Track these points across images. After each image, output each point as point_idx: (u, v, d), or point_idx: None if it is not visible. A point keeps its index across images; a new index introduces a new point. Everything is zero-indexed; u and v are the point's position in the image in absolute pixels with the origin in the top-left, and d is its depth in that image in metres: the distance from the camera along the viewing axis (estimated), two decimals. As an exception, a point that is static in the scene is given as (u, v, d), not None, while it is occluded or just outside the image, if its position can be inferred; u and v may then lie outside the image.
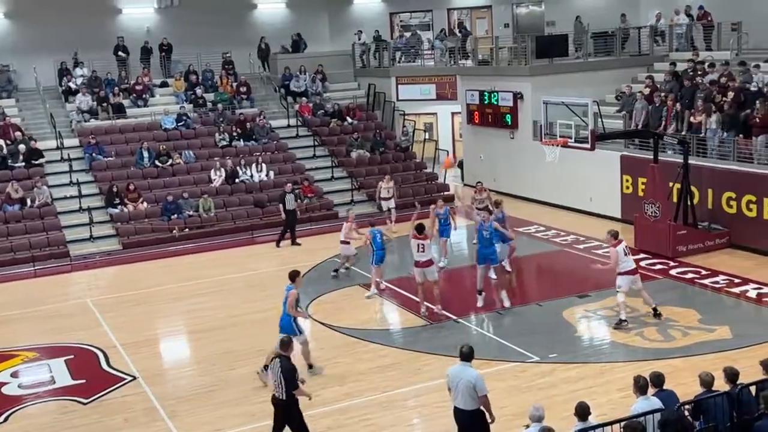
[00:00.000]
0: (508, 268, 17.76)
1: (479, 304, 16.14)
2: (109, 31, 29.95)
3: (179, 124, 27.15)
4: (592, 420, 8.78)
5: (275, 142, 27.36)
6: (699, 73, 22.36)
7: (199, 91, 28.63)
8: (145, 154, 25.34)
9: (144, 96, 28.41)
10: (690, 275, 17.62)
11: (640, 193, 20.69)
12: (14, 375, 14.36)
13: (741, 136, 19.35)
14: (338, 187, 26.07)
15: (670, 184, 19.27)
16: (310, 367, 13.45)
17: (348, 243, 18.80)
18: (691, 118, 20.70)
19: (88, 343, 15.61)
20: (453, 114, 31.24)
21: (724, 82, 20.92)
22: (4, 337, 16.19)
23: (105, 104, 27.36)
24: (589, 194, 23.12)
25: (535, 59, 25.48)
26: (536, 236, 21.39)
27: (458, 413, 9.78)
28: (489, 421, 9.74)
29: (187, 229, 23.05)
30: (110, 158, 25.37)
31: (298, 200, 23.80)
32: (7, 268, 21.04)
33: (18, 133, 25.34)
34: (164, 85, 29.52)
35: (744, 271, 17.59)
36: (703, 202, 19.61)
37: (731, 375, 9.21)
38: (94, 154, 25.18)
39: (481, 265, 16.11)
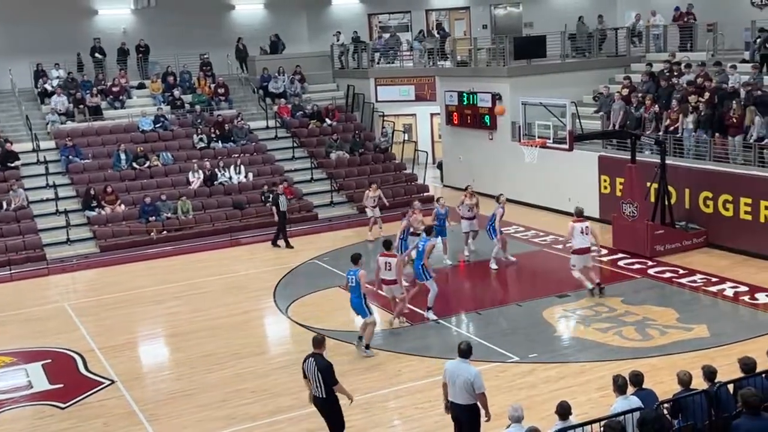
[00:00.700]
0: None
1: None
2: (86, 32, 29.74)
3: (157, 125, 27.00)
4: (573, 419, 8.82)
5: (254, 143, 27.27)
6: (675, 74, 22.54)
7: (176, 92, 28.49)
8: (123, 156, 25.16)
9: (121, 97, 28.23)
10: (668, 274, 17.75)
11: (618, 193, 20.82)
12: (-9, 380, 14.22)
13: (718, 135, 19.51)
14: (318, 188, 26.02)
15: (648, 184, 19.40)
16: (367, 347, 14.10)
17: (418, 235, 17.65)
18: (668, 121, 20.84)
19: (66, 347, 15.47)
20: (432, 115, 31.28)
21: (700, 83, 21.09)
22: (-20, 342, 16.03)
23: (81, 106, 27.17)
24: (567, 194, 23.21)
25: (514, 60, 25.57)
26: (515, 237, 21.44)
27: (455, 408, 9.96)
28: (485, 419, 9.87)
29: (165, 232, 22.92)
30: (87, 160, 25.18)
31: (277, 203, 23.77)
32: (-18, 271, 20.84)
33: (-7, 136, 25.13)
34: (141, 86, 29.36)
35: (721, 270, 17.74)
36: (680, 202, 19.77)
37: (709, 373, 9.27)
38: (70, 157, 24.98)
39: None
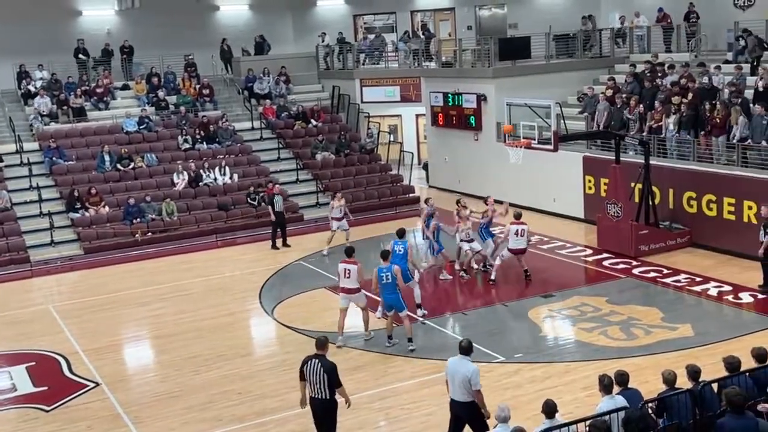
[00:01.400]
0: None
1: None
2: (70, 33, 29.58)
3: (141, 126, 26.88)
4: (559, 418, 8.86)
5: (239, 144, 27.20)
6: (659, 75, 22.66)
7: (161, 93, 28.38)
8: (107, 157, 25.04)
9: (105, 99, 28.09)
10: (652, 274, 17.84)
11: (603, 194, 20.92)
12: (-26, 383, 14.12)
13: (703, 133, 19.64)
14: (303, 189, 25.98)
15: (632, 184, 19.49)
16: (410, 340, 14.19)
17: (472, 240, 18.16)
18: (652, 122, 20.94)
19: (50, 349, 15.38)
20: (417, 116, 31.31)
21: (684, 83, 21.22)
22: (-37, 345, 15.92)
23: (65, 107, 27.02)
24: (552, 195, 23.31)
25: (498, 61, 25.64)
26: (501, 237, 21.43)
27: (453, 405, 10.05)
28: (486, 417, 9.92)
29: (149, 233, 22.82)
30: (71, 162, 25.03)
31: (262, 203, 23.75)
32: (-34, 274, 20.71)
33: (-24, 137, 24.96)
34: (125, 87, 29.21)
35: (705, 269, 17.85)
36: (664, 202, 19.87)
37: (693, 373, 9.33)
38: (54, 158, 24.83)
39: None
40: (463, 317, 15.96)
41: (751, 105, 19.25)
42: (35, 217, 23.08)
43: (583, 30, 27.67)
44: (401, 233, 16.06)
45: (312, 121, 28.84)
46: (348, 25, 33.80)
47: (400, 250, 15.48)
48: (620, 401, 8.94)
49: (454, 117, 26.66)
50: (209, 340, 15.44)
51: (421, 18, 33.74)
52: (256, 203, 24.09)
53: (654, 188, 19.45)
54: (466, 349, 10.06)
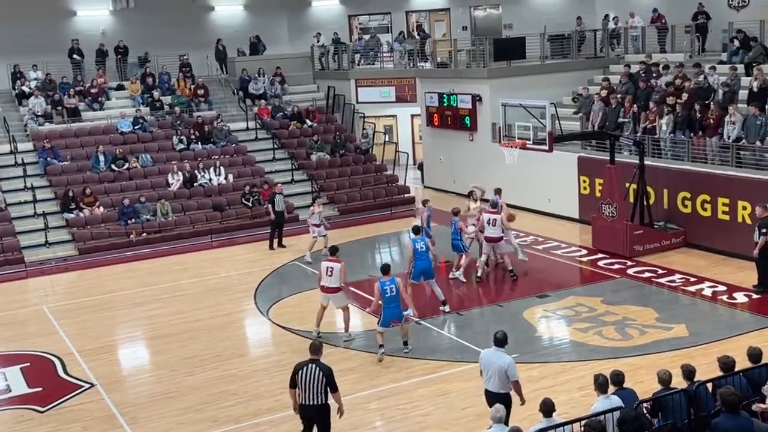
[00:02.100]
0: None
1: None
2: (64, 33, 29.52)
3: (136, 127, 26.85)
4: (556, 417, 8.88)
5: (234, 145, 27.18)
6: (654, 75, 22.69)
7: (156, 93, 28.35)
8: (101, 158, 25.00)
9: (99, 99, 28.04)
10: (647, 274, 17.87)
11: (598, 194, 20.93)
12: (-32, 384, 14.08)
13: (701, 132, 19.68)
14: (299, 190, 25.96)
15: (627, 184, 19.53)
16: (405, 343, 14.22)
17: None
18: (647, 123, 20.98)
19: (45, 350, 15.34)
20: (412, 116, 31.32)
21: (679, 84, 21.26)
22: (-42, 346, 15.88)
23: (60, 107, 26.97)
24: (547, 195, 23.34)
25: (493, 62, 25.66)
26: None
27: (489, 395, 10.18)
28: (519, 403, 10.14)
29: (144, 234, 22.79)
30: (65, 162, 24.99)
31: (258, 204, 23.75)
32: (-40, 275, 20.66)
33: (-30, 138, 24.90)
34: (120, 88, 29.17)
35: (699, 269, 17.89)
36: (658, 202, 19.92)
37: (688, 372, 9.36)
38: (48, 159, 24.79)
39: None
40: (458, 317, 15.96)
41: (746, 105, 19.30)
42: (30, 217, 23.05)
43: (578, 30, 27.72)
44: (416, 230, 16.30)
45: (307, 121, 28.83)
46: (343, 25, 33.79)
47: (421, 247, 15.67)
48: (615, 401, 8.96)
49: (449, 117, 26.67)
50: (204, 340, 15.42)
51: (416, 18, 33.76)
52: (251, 204, 24.07)
53: (648, 188, 19.48)
54: (500, 341, 10.19)
